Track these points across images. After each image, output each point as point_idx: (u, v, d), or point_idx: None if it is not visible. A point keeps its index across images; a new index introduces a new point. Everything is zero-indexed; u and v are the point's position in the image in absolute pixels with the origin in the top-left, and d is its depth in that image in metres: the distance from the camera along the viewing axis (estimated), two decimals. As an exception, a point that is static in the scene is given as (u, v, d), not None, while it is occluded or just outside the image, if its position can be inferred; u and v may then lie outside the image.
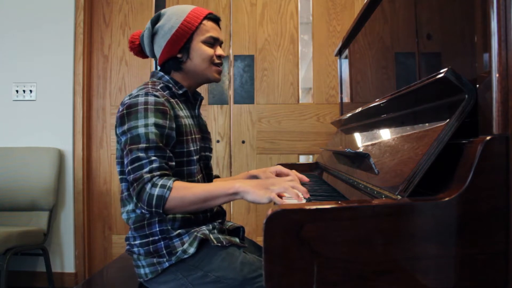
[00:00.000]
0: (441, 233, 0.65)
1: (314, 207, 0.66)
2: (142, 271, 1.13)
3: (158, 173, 1.01)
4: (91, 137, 2.54)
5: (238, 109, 2.47)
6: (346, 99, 2.00)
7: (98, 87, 2.56)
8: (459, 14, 0.82)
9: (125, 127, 1.07)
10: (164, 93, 1.15)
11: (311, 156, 2.48)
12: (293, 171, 1.25)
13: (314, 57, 2.48)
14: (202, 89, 2.47)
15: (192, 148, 1.16)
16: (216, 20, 1.23)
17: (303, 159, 2.49)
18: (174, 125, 1.11)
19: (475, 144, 0.66)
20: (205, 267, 1.09)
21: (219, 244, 1.10)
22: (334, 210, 0.66)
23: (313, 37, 2.49)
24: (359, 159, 1.08)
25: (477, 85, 0.70)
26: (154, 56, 1.26)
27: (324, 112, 2.45)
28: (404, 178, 0.70)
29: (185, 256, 1.09)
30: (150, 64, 2.53)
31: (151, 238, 1.11)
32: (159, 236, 1.11)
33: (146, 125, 1.05)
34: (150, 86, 1.15)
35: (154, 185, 0.98)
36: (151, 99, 1.08)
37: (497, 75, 0.66)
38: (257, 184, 0.97)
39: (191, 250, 1.08)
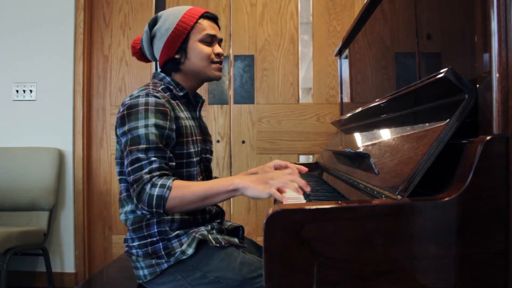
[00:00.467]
0: (441, 233, 0.65)
1: (314, 207, 0.66)
2: (141, 272, 1.13)
3: (157, 173, 1.01)
4: (91, 137, 2.54)
5: (238, 109, 2.47)
6: (346, 99, 2.00)
7: (98, 87, 2.56)
8: (459, 14, 0.82)
9: (126, 127, 1.07)
10: (165, 95, 1.15)
11: (311, 156, 2.48)
12: (292, 164, 1.25)
13: (314, 57, 2.48)
14: (202, 89, 2.47)
15: (192, 150, 1.16)
16: (213, 18, 1.23)
17: (303, 159, 2.49)
18: (174, 126, 1.10)
19: (475, 144, 0.66)
20: (204, 267, 1.09)
21: (218, 245, 1.10)
22: (334, 210, 0.66)
23: (313, 37, 2.49)
24: (359, 159, 1.08)
25: (477, 85, 0.70)
26: (155, 59, 1.26)
27: (324, 112, 2.45)
28: (404, 178, 0.70)
29: (184, 257, 1.08)
30: (150, 64, 2.52)
31: (149, 240, 1.11)
32: (158, 237, 1.11)
33: (146, 126, 1.05)
34: (151, 87, 1.15)
35: (153, 186, 0.98)
36: (151, 100, 1.08)
37: (497, 75, 0.66)
38: (257, 179, 0.96)
39: (190, 251, 1.08)
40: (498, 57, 0.66)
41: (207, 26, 1.20)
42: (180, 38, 1.17)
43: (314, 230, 0.65)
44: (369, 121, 1.34)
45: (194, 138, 1.18)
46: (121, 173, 1.17)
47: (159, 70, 1.27)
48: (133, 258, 1.14)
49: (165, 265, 1.09)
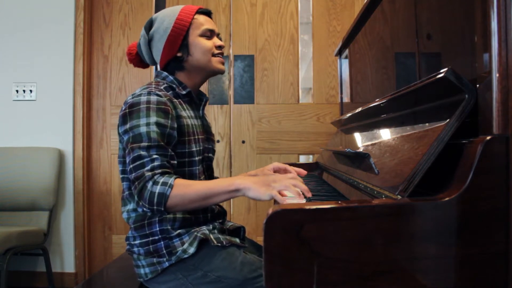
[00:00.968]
0: (441, 233, 0.65)
1: (314, 207, 0.66)
2: (142, 271, 1.13)
3: (159, 171, 1.01)
4: (91, 137, 2.54)
5: (238, 109, 2.47)
6: (346, 99, 2.00)
7: (98, 87, 2.56)
8: (459, 14, 0.82)
9: (127, 126, 1.07)
10: (167, 93, 1.15)
11: (311, 156, 2.48)
12: (291, 167, 1.25)
13: (314, 57, 2.48)
14: (202, 89, 2.47)
15: (194, 149, 1.16)
16: (207, 13, 1.24)
17: (303, 159, 2.49)
18: (175, 125, 1.11)
19: (475, 144, 0.66)
20: (205, 267, 1.09)
21: (219, 244, 1.10)
22: (334, 210, 0.66)
23: (313, 37, 2.49)
24: (359, 159, 1.08)
25: (477, 85, 0.70)
26: (154, 62, 1.26)
27: (324, 112, 2.45)
28: (404, 178, 0.70)
29: (185, 256, 1.09)
30: (150, 64, 2.52)
31: (151, 238, 1.11)
32: (159, 236, 1.11)
33: (148, 124, 1.05)
34: (153, 85, 1.15)
35: (155, 183, 0.98)
36: (153, 98, 1.08)
37: (497, 75, 0.66)
38: (259, 180, 0.97)
39: (191, 250, 1.08)
40: (498, 57, 0.66)
41: (204, 21, 1.21)
42: (180, 36, 1.18)
43: (314, 230, 0.65)
44: (369, 121, 1.34)
45: (197, 137, 1.18)
46: (123, 171, 1.17)
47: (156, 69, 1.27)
48: (135, 256, 1.15)
49: (166, 264, 1.10)
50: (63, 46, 2.46)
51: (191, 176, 1.16)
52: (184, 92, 1.20)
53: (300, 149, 2.45)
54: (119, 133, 1.13)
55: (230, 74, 2.48)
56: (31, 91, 2.47)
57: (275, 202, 0.94)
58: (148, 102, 1.08)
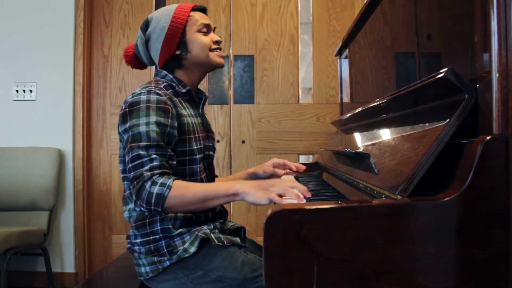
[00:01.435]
0: (441, 233, 0.65)
1: (314, 207, 0.66)
2: (142, 269, 1.13)
3: (158, 171, 1.01)
4: (91, 137, 2.54)
5: (238, 109, 2.47)
6: (346, 99, 2.00)
7: (98, 87, 2.56)
8: (459, 14, 0.82)
9: (127, 125, 1.07)
10: (167, 92, 1.15)
11: (311, 156, 2.48)
12: (290, 162, 1.27)
13: (314, 57, 2.48)
14: (202, 89, 2.47)
15: (195, 147, 1.16)
16: (202, 10, 1.25)
17: (303, 159, 2.49)
18: (176, 124, 1.11)
19: (475, 144, 0.66)
20: (206, 266, 1.09)
21: (220, 244, 1.10)
22: (334, 210, 0.66)
23: (313, 37, 2.49)
24: (359, 159, 1.08)
25: (477, 85, 0.70)
26: (152, 63, 1.27)
27: (324, 112, 2.45)
28: (404, 178, 0.70)
29: (186, 255, 1.09)
30: (150, 64, 2.52)
31: (152, 237, 1.11)
32: (160, 235, 1.11)
33: (147, 123, 1.05)
34: (153, 84, 1.15)
35: (154, 183, 0.98)
36: (153, 97, 1.08)
37: (497, 75, 0.66)
38: (257, 185, 0.97)
39: (192, 249, 1.08)
40: (498, 57, 0.66)
41: (200, 17, 1.22)
42: (177, 34, 1.18)
43: (314, 230, 0.65)
44: (369, 121, 1.34)
45: (197, 135, 1.18)
46: (124, 171, 1.17)
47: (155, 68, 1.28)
48: (135, 255, 1.15)
49: (167, 263, 1.10)
50: (63, 46, 2.46)
51: (192, 174, 1.16)
52: (184, 90, 1.20)
53: (300, 149, 2.45)
54: (119, 132, 1.13)
55: (230, 74, 2.48)
56: (31, 91, 2.47)
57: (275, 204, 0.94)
58: (148, 101, 1.08)
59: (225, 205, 2.34)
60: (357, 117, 1.48)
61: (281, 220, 0.65)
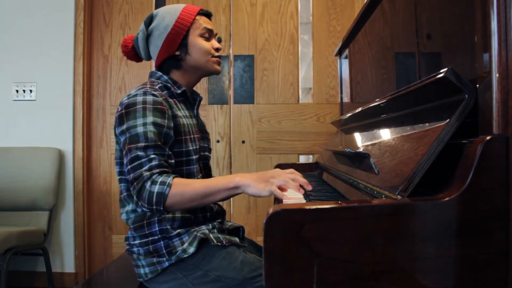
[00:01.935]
0: (441, 233, 0.65)
1: (314, 207, 0.66)
2: (142, 270, 1.13)
3: (157, 170, 1.01)
4: (91, 137, 2.54)
5: (238, 109, 2.47)
6: (346, 99, 2.00)
7: (98, 87, 2.56)
8: (459, 14, 0.82)
9: (124, 126, 1.07)
10: (163, 93, 1.15)
11: (311, 156, 2.48)
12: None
13: (314, 57, 2.48)
14: (202, 89, 2.47)
15: (191, 148, 1.16)
16: (208, 15, 1.25)
17: (303, 159, 2.49)
18: (172, 124, 1.11)
19: (475, 144, 0.66)
20: (205, 266, 1.09)
21: (219, 244, 1.10)
22: (334, 210, 0.66)
23: (313, 37, 2.49)
24: (359, 159, 1.08)
25: (477, 85, 0.70)
26: (149, 58, 1.26)
27: (324, 112, 2.45)
28: (404, 178, 0.70)
29: (185, 256, 1.09)
30: (151, 64, 2.53)
31: (150, 238, 1.11)
32: (159, 236, 1.11)
33: (144, 124, 1.05)
34: (148, 86, 1.15)
35: (153, 183, 0.98)
36: (149, 98, 1.09)
37: (497, 75, 0.66)
38: (258, 177, 0.97)
39: (191, 249, 1.08)
40: (498, 57, 0.66)
41: (204, 22, 1.22)
42: (180, 35, 1.18)
43: (314, 230, 0.65)
44: (369, 121, 1.34)
45: (192, 136, 1.18)
46: (121, 172, 1.17)
47: (154, 69, 1.27)
48: (134, 256, 1.15)
49: (166, 264, 1.10)
50: (63, 46, 2.46)
51: (189, 175, 1.16)
52: (179, 91, 1.21)
53: (300, 149, 2.45)
54: (115, 134, 1.13)
55: (230, 74, 2.48)
56: (31, 91, 2.47)
57: (276, 200, 0.94)
58: (144, 102, 1.08)
59: (224, 205, 2.34)
60: (357, 117, 1.48)
61: (281, 220, 0.65)
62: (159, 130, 1.06)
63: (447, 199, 0.64)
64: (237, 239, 1.17)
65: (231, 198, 2.26)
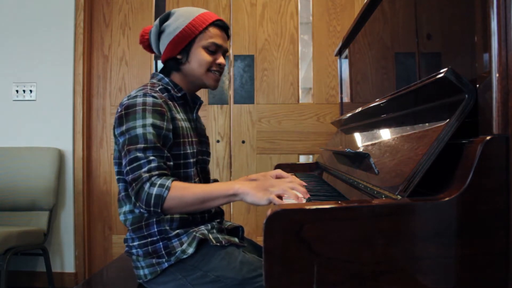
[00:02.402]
0: (441, 233, 0.65)
1: (314, 207, 0.66)
2: (141, 272, 1.13)
3: (156, 172, 1.01)
4: (91, 137, 2.54)
5: (238, 109, 2.47)
6: (346, 99, 2.00)
7: (98, 87, 2.56)
8: (459, 14, 0.82)
9: (123, 127, 1.07)
10: (163, 95, 1.15)
11: (311, 156, 2.48)
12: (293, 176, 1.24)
13: (314, 57, 2.48)
14: (202, 89, 2.47)
15: (188, 151, 1.16)
16: (224, 28, 1.22)
17: (303, 159, 2.49)
18: (171, 127, 1.11)
19: (475, 144, 0.65)
20: (204, 267, 1.09)
21: (218, 244, 1.10)
22: (334, 210, 0.66)
23: (313, 37, 2.49)
24: (359, 159, 1.08)
25: (477, 85, 0.70)
26: (160, 52, 1.26)
27: (324, 112, 2.45)
28: (404, 178, 0.70)
29: (184, 256, 1.09)
30: (150, 64, 2.53)
31: (149, 239, 1.11)
32: (158, 237, 1.11)
33: (144, 126, 1.05)
34: (149, 87, 1.15)
35: (152, 185, 0.98)
36: (149, 100, 1.08)
37: (497, 75, 0.66)
38: (257, 185, 0.97)
39: (190, 250, 1.08)
40: (498, 57, 0.66)
41: (215, 35, 1.19)
42: (186, 40, 1.17)
43: (314, 230, 0.65)
44: (369, 121, 1.34)
45: (190, 139, 1.18)
46: (119, 172, 1.17)
47: (159, 69, 1.27)
48: (133, 257, 1.15)
49: (166, 265, 1.10)
50: (63, 46, 2.46)
51: (186, 178, 1.16)
52: (179, 95, 1.20)
53: (300, 149, 2.45)
54: (114, 135, 1.13)
55: (230, 74, 2.48)
56: (31, 91, 2.47)
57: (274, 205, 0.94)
58: (144, 103, 1.08)
59: (224, 205, 2.34)
60: (357, 117, 1.48)
61: (281, 220, 0.65)
62: (158, 132, 1.06)
63: (447, 199, 0.64)
64: (236, 239, 1.17)
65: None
